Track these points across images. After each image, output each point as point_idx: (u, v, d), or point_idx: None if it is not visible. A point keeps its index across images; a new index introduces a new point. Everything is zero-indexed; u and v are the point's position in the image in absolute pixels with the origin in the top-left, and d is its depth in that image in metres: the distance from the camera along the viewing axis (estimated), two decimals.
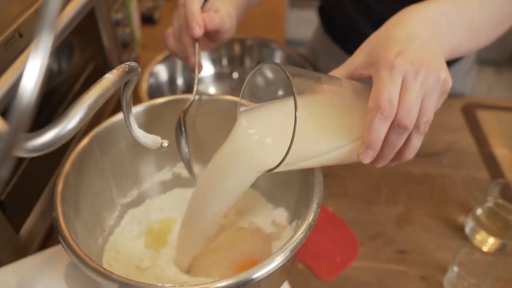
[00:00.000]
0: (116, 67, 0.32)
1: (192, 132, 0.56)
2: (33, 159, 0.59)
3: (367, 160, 0.43)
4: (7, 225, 0.55)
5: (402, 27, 0.45)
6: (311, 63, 0.83)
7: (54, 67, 0.64)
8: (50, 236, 0.67)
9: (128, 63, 0.34)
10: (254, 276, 0.39)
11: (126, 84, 0.40)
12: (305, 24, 2.00)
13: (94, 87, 0.29)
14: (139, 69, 0.37)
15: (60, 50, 0.66)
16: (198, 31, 0.53)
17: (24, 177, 0.58)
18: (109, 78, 0.31)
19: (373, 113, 0.41)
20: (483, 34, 0.55)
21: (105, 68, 0.83)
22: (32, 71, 0.23)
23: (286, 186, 0.54)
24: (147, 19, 1.19)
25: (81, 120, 0.28)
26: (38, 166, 0.61)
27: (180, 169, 0.60)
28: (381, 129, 0.41)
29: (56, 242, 0.57)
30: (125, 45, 0.89)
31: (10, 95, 0.50)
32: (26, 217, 0.60)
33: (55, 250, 0.54)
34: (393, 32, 0.45)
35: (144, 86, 0.75)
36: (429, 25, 0.46)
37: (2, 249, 0.54)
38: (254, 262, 0.52)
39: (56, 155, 0.67)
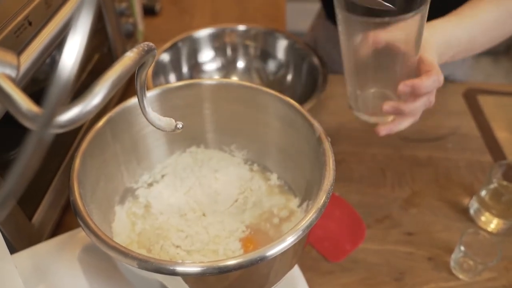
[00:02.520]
0: (136, 46, 0.33)
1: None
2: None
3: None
4: (20, 212, 0.56)
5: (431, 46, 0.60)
6: (313, 50, 0.84)
7: (59, 58, 0.65)
8: (61, 223, 0.67)
9: (146, 43, 0.34)
10: (268, 253, 0.39)
11: (140, 66, 0.40)
12: (303, 16, 2.00)
13: (117, 65, 0.30)
14: (155, 50, 0.37)
15: (65, 41, 0.66)
16: None
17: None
18: (130, 56, 0.31)
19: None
20: (481, 48, 0.69)
21: (110, 58, 0.84)
22: (71, 49, 0.23)
23: (297, 168, 0.55)
24: (149, 11, 1.19)
25: (105, 96, 0.29)
26: (48, 155, 0.62)
27: (191, 153, 0.61)
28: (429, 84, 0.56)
29: (67, 228, 0.58)
30: (129, 36, 0.90)
31: (22, 83, 0.50)
32: (38, 205, 0.60)
33: (68, 236, 0.54)
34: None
35: (149, 74, 0.75)
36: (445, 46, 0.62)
37: (16, 236, 0.55)
38: (253, 239, 0.53)
39: (66, 144, 0.68)
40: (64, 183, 0.66)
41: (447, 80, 1.00)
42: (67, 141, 0.69)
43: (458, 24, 0.64)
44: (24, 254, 0.51)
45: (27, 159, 0.22)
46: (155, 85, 0.73)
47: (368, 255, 0.67)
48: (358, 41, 0.59)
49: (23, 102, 0.27)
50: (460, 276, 0.64)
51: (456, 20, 0.64)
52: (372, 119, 0.68)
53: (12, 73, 0.30)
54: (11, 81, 0.29)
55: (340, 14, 0.59)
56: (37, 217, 0.59)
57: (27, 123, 0.27)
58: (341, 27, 0.61)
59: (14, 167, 0.23)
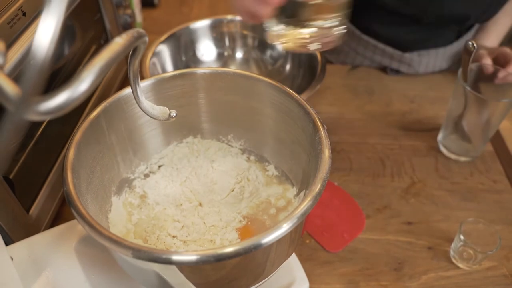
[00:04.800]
0: (125, 32, 0.32)
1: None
2: (40, 139, 0.60)
3: None
4: (18, 204, 0.56)
5: None
6: None
7: (56, 49, 0.64)
8: (59, 215, 0.67)
9: (136, 29, 0.34)
10: (263, 241, 0.39)
11: (133, 53, 0.40)
12: None
13: (105, 50, 0.29)
14: (146, 37, 0.37)
15: (62, 32, 0.66)
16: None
17: (32, 157, 0.58)
18: (119, 42, 0.31)
19: None
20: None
21: None
22: (45, 29, 0.23)
23: (294, 158, 0.55)
24: (147, 3, 1.19)
25: (93, 82, 0.28)
26: (45, 146, 0.62)
27: (187, 144, 0.60)
28: None
29: (65, 220, 0.58)
30: (127, 27, 0.89)
31: (14, 74, 0.50)
32: (36, 197, 0.60)
33: (65, 227, 0.54)
34: None
35: (147, 65, 0.75)
36: None
37: (13, 228, 0.55)
38: (250, 229, 0.53)
39: (63, 135, 0.68)
40: (62, 175, 0.66)
41: (447, 70, 0.99)
42: (65, 131, 0.69)
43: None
44: (21, 245, 0.50)
45: (3, 141, 0.21)
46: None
47: (367, 245, 0.66)
48: None
49: (8, 86, 0.27)
50: (460, 265, 0.64)
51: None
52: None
53: None
54: None
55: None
56: (34, 208, 0.59)
57: (7, 105, 0.27)
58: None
59: None
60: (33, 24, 0.54)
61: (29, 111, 0.24)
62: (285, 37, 0.55)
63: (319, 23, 0.53)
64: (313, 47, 0.55)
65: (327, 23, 0.54)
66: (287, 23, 0.54)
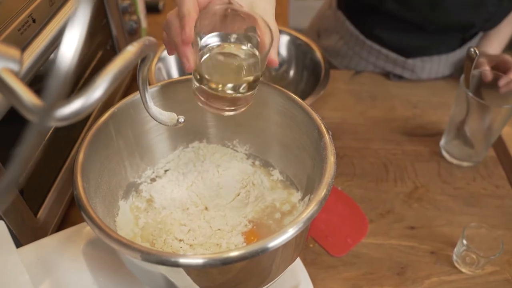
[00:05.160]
0: (137, 40, 0.33)
1: None
2: (47, 144, 0.60)
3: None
4: (26, 208, 0.57)
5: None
6: (316, 46, 0.84)
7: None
8: (65, 219, 0.68)
9: (147, 37, 0.35)
10: (269, 245, 0.39)
11: (142, 61, 0.41)
12: (305, 13, 2.00)
13: (118, 58, 0.30)
14: (157, 45, 0.38)
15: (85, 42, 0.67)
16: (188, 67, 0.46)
17: (40, 162, 0.59)
18: (131, 50, 0.32)
19: None
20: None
21: (114, 55, 0.84)
22: (70, 41, 0.23)
23: (299, 163, 0.55)
24: (152, 8, 1.20)
25: (106, 89, 0.29)
26: (53, 152, 0.63)
27: (193, 148, 0.61)
28: None
29: (72, 223, 0.59)
30: (132, 33, 0.90)
31: (24, 80, 0.51)
32: (43, 201, 0.61)
33: (73, 230, 0.55)
34: None
35: (153, 70, 0.76)
36: None
37: (21, 231, 0.55)
38: (256, 233, 0.54)
39: (71, 139, 0.69)
40: (69, 179, 0.67)
41: (449, 76, 1.00)
42: (72, 137, 0.69)
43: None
44: (29, 248, 0.51)
45: (26, 150, 0.22)
46: (158, 82, 0.73)
47: (370, 250, 0.67)
48: None
49: (26, 95, 0.27)
50: (463, 270, 0.64)
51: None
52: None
53: (15, 67, 0.30)
54: (14, 75, 0.30)
55: None
56: (42, 212, 0.60)
57: (29, 116, 0.28)
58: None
59: (14, 159, 0.24)
60: (43, 31, 0.55)
61: (51, 120, 0.25)
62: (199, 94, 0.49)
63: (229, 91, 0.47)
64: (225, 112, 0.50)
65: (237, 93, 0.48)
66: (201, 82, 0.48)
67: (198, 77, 0.45)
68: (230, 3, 0.47)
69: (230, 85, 0.45)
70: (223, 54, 0.47)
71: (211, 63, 0.46)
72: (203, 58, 0.45)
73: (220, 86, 0.45)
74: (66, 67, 0.21)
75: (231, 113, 0.49)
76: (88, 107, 0.29)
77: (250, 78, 0.46)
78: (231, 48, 0.48)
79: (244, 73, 0.46)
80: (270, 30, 0.45)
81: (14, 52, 0.31)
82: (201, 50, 0.46)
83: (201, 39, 0.45)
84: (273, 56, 0.47)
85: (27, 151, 0.22)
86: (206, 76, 0.44)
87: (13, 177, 0.22)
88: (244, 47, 0.48)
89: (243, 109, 0.49)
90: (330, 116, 0.90)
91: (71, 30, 0.21)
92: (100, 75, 0.29)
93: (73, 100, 0.28)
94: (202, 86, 0.45)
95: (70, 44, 0.21)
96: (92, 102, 0.29)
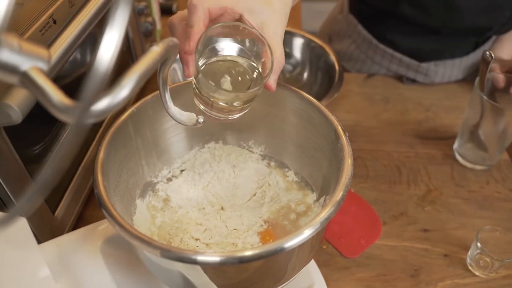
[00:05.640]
0: (161, 41, 0.34)
1: None
2: (64, 144, 0.61)
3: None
4: (45, 206, 0.58)
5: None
6: (330, 49, 0.85)
7: (79, 57, 0.66)
8: (81, 217, 0.69)
9: (170, 38, 0.35)
10: (286, 245, 0.40)
11: (163, 62, 0.42)
12: (317, 16, 2.00)
13: (143, 58, 0.31)
14: (179, 46, 0.38)
15: (85, 40, 0.68)
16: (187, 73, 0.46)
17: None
18: (156, 50, 0.32)
19: None
20: None
21: (129, 57, 0.85)
22: (109, 43, 0.24)
23: (315, 164, 0.56)
24: (166, 11, 1.21)
25: (133, 89, 0.30)
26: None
27: (209, 149, 0.62)
28: None
29: (88, 222, 0.59)
30: (148, 34, 0.91)
31: None
32: (61, 199, 0.62)
33: (90, 228, 0.56)
34: None
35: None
36: None
37: (40, 228, 0.56)
38: (271, 233, 0.54)
39: (87, 140, 0.70)
40: (85, 178, 0.68)
41: (462, 80, 1.00)
42: (88, 137, 0.70)
43: None
44: (49, 245, 0.52)
45: (66, 150, 0.23)
46: (172, 82, 0.74)
47: (384, 252, 0.67)
48: None
49: (56, 94, 0.28)
50: (477, 273, 0.64)
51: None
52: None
53: (44, 66, 0.31)
54: (43, 74, 0.30)
55: None
56: (59, 210, 0.61)
57: (58, 115, 0.28)
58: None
59: (52, 158, 0.24)
60: (64, 32, 0.56)
61: (89, 119, 0.25)
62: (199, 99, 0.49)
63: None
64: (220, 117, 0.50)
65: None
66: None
67: (194, 86, 0.47)
68: (240, 18, 0.47)
69: (222, 103, 0.46)
70: (224, 61, 0.48)
71: (210, 71, 0.47)
72: (203, 66, 0.47)
73: (213, 99, 0.46)
74: (105, 67, 0.22)
75: (224, 120, 0.49)
76: (114, 106, 0.29)
77: (243, 98, 0.47)
78: (234, 58, 0.48)
79: (239, 89, 0.47)
80: (273, 58, 0.46)
81: (43, 51, 0.32)
82: (205, 54, 0.47)
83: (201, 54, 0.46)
84: (271, 82, 0.47)
85: (66, 151, 0.23)
86: (202, 88, 0.45)
87: (47, 178, 0.23)
88: (245, 63, 0.48)
89: (236, 117, 0.49)
90: (344, 118, 0.90)
91: (110, 31, 0.22)
92: (126, 75, 0.30)
93: (100, 99, 0.29)
94: (197, 91, 0.46)
95: (109, 45, 0.22)
96: (119, 101, 0.29)
